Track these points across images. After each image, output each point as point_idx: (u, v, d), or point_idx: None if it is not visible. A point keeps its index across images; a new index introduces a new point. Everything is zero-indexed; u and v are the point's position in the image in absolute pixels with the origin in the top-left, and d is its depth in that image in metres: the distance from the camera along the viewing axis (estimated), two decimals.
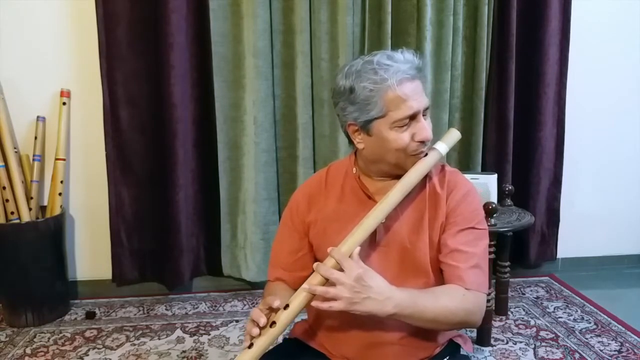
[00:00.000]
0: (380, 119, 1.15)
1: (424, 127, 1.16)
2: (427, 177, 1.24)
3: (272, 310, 1.11)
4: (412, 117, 1.15)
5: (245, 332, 1.11)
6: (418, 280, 1.21)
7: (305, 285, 1.09)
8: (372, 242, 1.22)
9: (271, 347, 1.39)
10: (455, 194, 1.23)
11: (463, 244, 1.20)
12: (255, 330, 1.07)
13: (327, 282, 1.08)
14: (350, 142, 1.25)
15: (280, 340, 1.58)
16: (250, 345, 1.07)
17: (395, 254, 1.22)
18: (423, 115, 1.17)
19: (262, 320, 1.08)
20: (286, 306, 1.10)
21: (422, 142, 1.17)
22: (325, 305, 1.06)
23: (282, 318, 1.08)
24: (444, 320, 1.14)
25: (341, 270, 1.07)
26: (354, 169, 1.28)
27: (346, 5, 2.46)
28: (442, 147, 1.22)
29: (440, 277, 1.23)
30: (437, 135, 1.26)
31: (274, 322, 1.08)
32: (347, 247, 1.10)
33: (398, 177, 1.21)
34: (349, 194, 1.28)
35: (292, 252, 1.32)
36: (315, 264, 1.10)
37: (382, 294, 1.07)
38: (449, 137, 1.25)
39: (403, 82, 1.13)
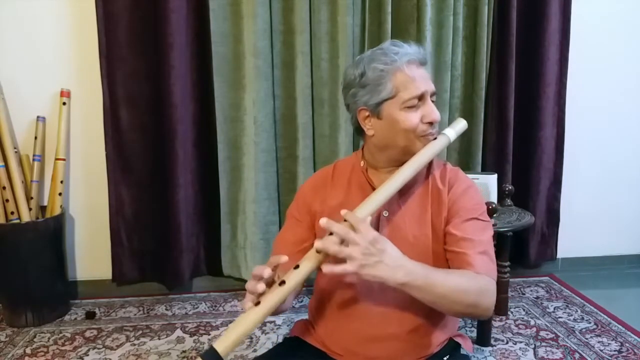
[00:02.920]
0: (390, 100, 1.20)
1: (433, 109, 1.21)
2: (429, 173, 1.28)
3: (277, 268, 1.07)
4: (420, 98, 1.20)
5: (247, 290, 1.05)
6: None
7: (317, 243, 1.05)
8: None
9: (272, 346, 1.39)
10: (456, 189, 1.26)
11: (468, 232, 1.22)
12: (261, 286, 1.02)
13: (341, 243, 1.06)
14: (359, 134, 1.29)
15: (280, 339, 1.58)
16: (257, 304, 1.02)
17: (397, 246, 1.20)
18: (431, 100, 1.23)
19: (267, 272, 1.03)
20: (296, 266, 1.07)
21: (431, 124, 1.21)
22: (338, 269, 1.03)
23: (292, 277, 1.05)
24: (455, 298, 1.12)
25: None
26: (362, 162, 1.31)
27: (346, 5, 2.46)
28: (451, 132, 1.26)
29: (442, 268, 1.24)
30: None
31: (283, 281, 1.04)
32: (360, 213, 1.10)
33: None
34: (355, 187, 1.30)
35: (296, 243, 1.32)
36: (325, 221, 1.06)
37: (394, 260, 1.06)
38: (456, 125, 1.29)
39: (412, 63, 1.20)
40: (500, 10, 2.61)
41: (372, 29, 2.55)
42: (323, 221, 1.06)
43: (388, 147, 1.25)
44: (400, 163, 1.24)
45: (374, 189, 1.25)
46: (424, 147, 1.21)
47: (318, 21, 2.51)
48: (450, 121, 2.64)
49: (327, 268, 1.04)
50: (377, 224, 1.24)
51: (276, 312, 1.13)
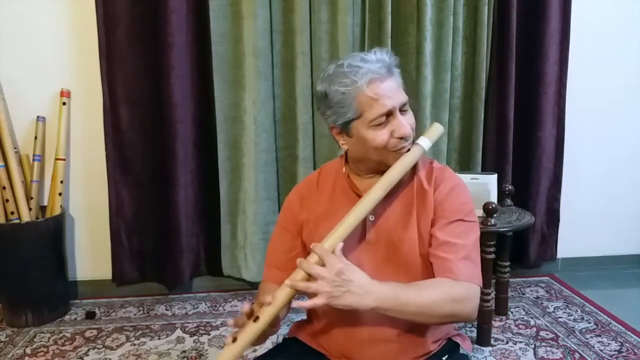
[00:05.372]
0: (357, 120, 1.17)
1: (401, 123, 1.17)
2: (414, 174, 1.26)
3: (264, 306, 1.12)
4: (389, 115, 1.16)
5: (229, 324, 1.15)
6: (407, 275, 1.21)
7: (287, 281, 1.10)
8: (361, 238, 1.24)
9: (272, 346, 1.40)
10: (443, 188, 1.24)
11: (452, 236, 1.20)
12: (231, 321, 1.12)
13: (311, 277, 1.09)
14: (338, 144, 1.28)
15: (279, 339, 1.59)
16: (234, 340, 1.08)
17: (384, 250, 1.23)
18: (403, 111, 1.19)
19: (246, 308, 1.12)
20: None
21: (402, 138, 1.18)
22: (308, 304, 1.07)
23: (265, 313, 1.09)
24: (429, 312, 1.13)
25: (323, 265, 1.09)
26: (344, 168, 1.31)
27: (346, 5, 2.46)
28: (425, 142, 1.22)
29: (430, 272, 1.22)
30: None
31: (257, 317, 1.09)
32: (329, 244, 1.12)
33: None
34: (340, 193, 1.30)
35: (285, 252, 1.33)
36: (298, 260, 1.12)
37: (362, 287, 1.08)
38: (431, 131, 1.25)
39: (373, 82, 1.14)
40: (500, 10, 2.61)
41: (372, 29, 2.55)
42: (297, 261, 1.11)
43: (363, 160, 1.24)
44: (380, 172, 1.24)
45: (357, 194, 1.26)
46: (396, 161, 1.19)
47: (318, 21, 2.51)
48: (450, 121, 2.67)
49: (297, 304, 1.09)
50: (363, 229, 1.23)
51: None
